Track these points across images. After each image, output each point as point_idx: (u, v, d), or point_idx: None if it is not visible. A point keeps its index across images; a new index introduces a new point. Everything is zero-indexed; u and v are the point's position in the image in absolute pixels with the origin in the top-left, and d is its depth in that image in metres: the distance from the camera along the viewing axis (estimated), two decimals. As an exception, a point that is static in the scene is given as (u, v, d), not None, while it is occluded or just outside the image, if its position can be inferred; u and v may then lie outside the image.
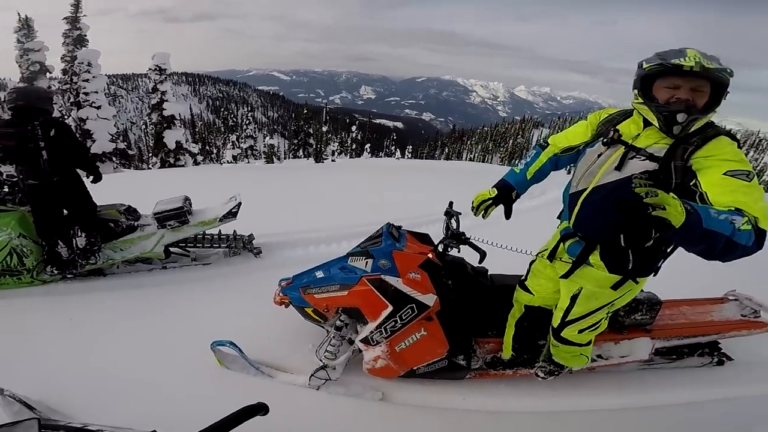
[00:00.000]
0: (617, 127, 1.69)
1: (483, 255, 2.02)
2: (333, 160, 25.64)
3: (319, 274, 2.18)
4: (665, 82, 1.52)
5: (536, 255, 2.13)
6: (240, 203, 3.45)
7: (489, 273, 2.40)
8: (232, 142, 26.90)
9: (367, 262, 2.06)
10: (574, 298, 1.89)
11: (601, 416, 2.25)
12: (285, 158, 30.94)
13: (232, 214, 3.39)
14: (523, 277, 2.20)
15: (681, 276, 2.53)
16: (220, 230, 3.62)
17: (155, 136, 15.57)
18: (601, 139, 1.71)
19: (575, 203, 1.78)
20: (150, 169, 15.72)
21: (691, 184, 1.46)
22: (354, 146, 35.25)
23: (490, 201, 1.97)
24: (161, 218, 3.21)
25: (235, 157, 24.89)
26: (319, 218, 4.74)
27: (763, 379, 2.56)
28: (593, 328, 1.96)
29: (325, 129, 32.22)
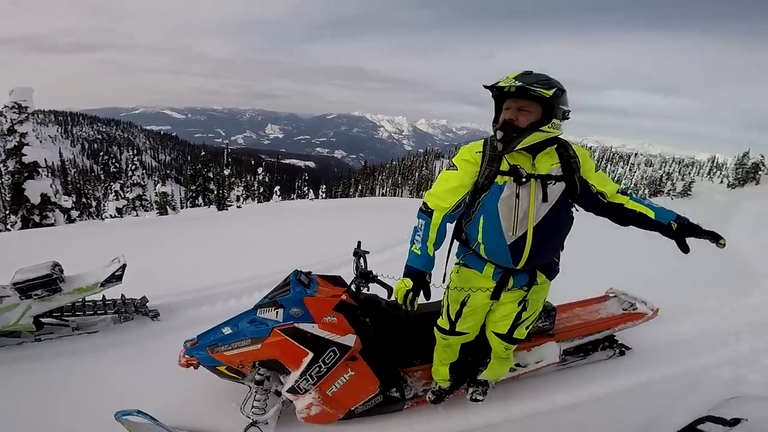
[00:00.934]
0: (518, 164, 1.77)
1: (390, 290, 2.04)
2: (238, 206, 24.37)
3: (227, 331, 2.09)
4: (505, 105, 1.76)
5: (456, 299, 2.09)
6: (125, 265, 3.22)
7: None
8: (116, 191, 23.94)
9: (277, 312, 2.04)
10: (523, 309, 2.05)
11: (533, 420, 2.43)
12: (182, 207, 28.47)
13: (116, 278, 3.16)
14: (447, 327, 2.15)
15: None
16: (104, 296, 3.32)
17: (13, 188, 12.97)
18: (512, 180, 1.76)
19: (522, 248, 1.83)
20: (9, 230, 13.04)
21: (594, 190, 1.86)
22: (262, 189, 33.78)
23: (411, 293, 1.85)
24: (24, 288, 2.86)
25: (120, 210, 22.20)
26: (224, 272, 4.48)
27: (660, 363, 2.93)
28: (534, 321, 2.19)
29: (227, 172, 30.41)
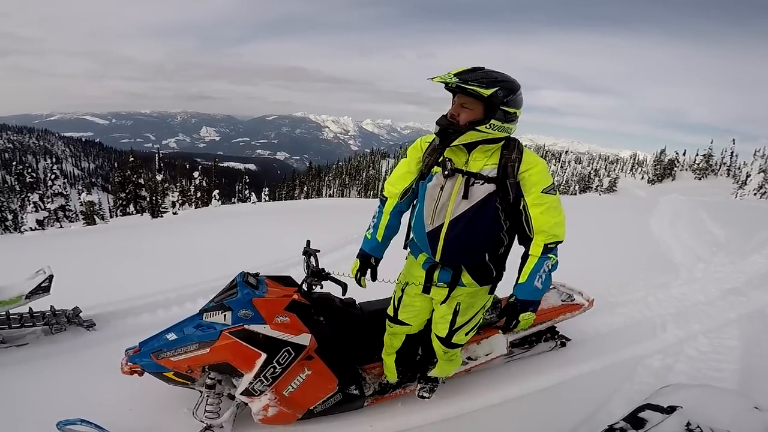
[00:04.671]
0: (449, 157, 1.78)
1: (345, 287, 2.12)
2: (175, 213, 22.94)
3: (171, 336, 2.02)
4: (453, 100, 1.75)
5: (400, 286, 2.20)
6: (51, 276, 3.07)
7: (357, 302, 2.52)
8: (35, 203, 21.59)
9: (225, 315, 1.99)
10: (456, 312, 2.05)
11: (487, 413, 2.51)
12: (111, 216, 26.25)
13: (42, 289, 3.01)
14: (392, 314, 2.25)
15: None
16: (30, 308, 3.12)
17: None
18: (441, 172, 1.78)
19: (437, 239, 1.85)
20: None
21: (520, 205, 1.75)
22: (199, 194, 31.96)
23: (358, 272, 2.12)
24: None
25: (41, 222, 20.07)
26: (164, 279, 4.31)
27: (597, 354, 3.05)
28: (475, 327, 2.18)
29: (160, 177, 28.37)
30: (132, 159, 25.53)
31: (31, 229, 18.62)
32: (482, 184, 1.74)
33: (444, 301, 2.03)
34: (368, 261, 2.12)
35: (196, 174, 32.69)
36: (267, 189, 41.30)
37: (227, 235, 7.38)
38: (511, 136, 1.79)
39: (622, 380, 2.79)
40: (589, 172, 58.83)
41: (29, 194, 22.20)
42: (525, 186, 1.74)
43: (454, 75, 1.61)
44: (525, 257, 1.84)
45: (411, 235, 2.09)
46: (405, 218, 2.17)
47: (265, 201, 33.62)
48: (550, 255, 1.77)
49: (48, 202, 21.73)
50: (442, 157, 1.81)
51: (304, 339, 2.05)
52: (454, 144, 1.72)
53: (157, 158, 29.91)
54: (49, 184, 23.26)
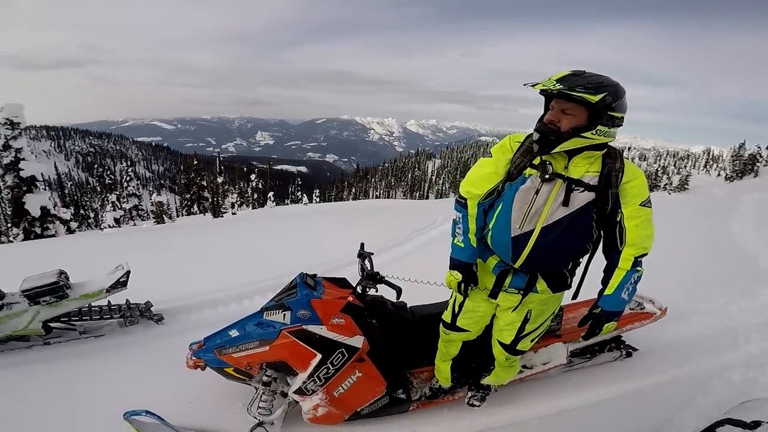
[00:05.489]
0: (548, 160, 1.69)
1: (399, 291, 2.11)
2: (234, 213, 24.31)
3: (234, 333, 2.11)
4: (550, 104, 1.66)
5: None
6: (128, 271, 3.30)
7: (408, 306, 2.50)
8: (112, 202, 23.91)
9: (284, 314, 2.05)
10: (526, 320, 1.98)
11: (541, 423, 2.40)
12: (178, 216, 28.37)
13: (120, 284, 3.24)
14: (449, 320, 2.16)
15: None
16: (109, 301, 3.39)
17: (13, 203, 13.11)
18: (538, 174, 1.70)
19: (523, 245, 1.77)
20: (11, 242, 13.05)
21: (617, 217, 1.70)
22: (256, 196, 33.73)
23: (462, 284, 1.97)
24: (32, 295, 2.95)
25: (117, 220, 22.14)
26: (225, 276, 4.53)
27: (668, 365, 2.86)
28: (541, 334, 2.12)
29: (220, 180, 30.32)
30: (195, 162, 27.44)
31: (110, 227, 20.59)
32: (582, 191, 1.67)
33: (515, 309, 1.97)
34: (470, 270, 1.97)
35: (252, 177, 34.49)
36: (317, 190, 42.48)
37: (282, 235, 7.63)
38: (617, 148, 1.73)
39: (695, 393, 2.59)
40: (656, 170, 54.51)
41: (108, 194, 24.57)
42: (624, 197, 1.69)
43: (557, 81, 1.54)
44: (610, 268, 1.81)
45: (486, 231, 1.98)
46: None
47: (316, 202, 34.62)
48: (638, 268, 1.75)
49: (124, 202, 23.93)
50: (538, 159, 1.72)
51: (358, 341, 2.07)
52: (555, 151, 1.64)
53: (217, 162, 31.89)
54: (124, 186, 25.60)
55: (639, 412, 2.48)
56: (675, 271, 4.73)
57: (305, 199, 34.44)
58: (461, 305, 2.10)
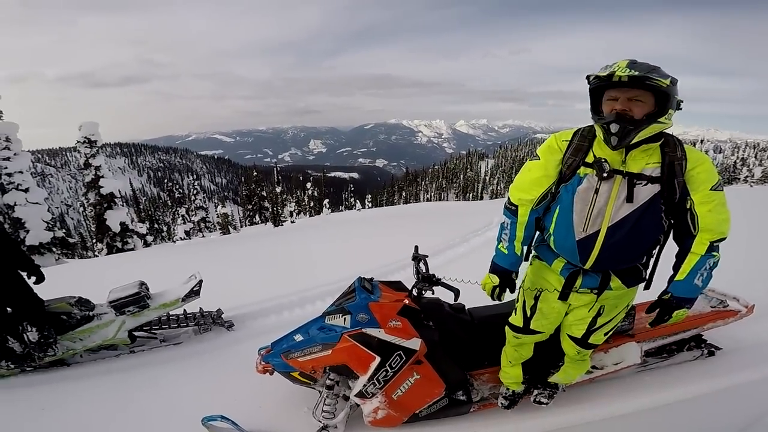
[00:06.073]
0: (604, 157, 1.64)
1: (457, 293, 2.06)
2: (292, 222, 25.31)
3: (298, 338, 2.18)
4: (607, 96, 1.59)
5: (531, 294, 2.03)
6: (201, 281, 3.49)
7: (467, 308, 2.47)
8: (182, 216, 25.91)
9: (345, 318, 2.09)
10: (598, 314, 1.93)
11: (614, 423, 2.31)
12: (241, 226, 30.07)
13: (194, 293, 3.42)
14: (521, 324, 2.09)
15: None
16: (185, 309, 3.60)
17: (96, 219, 14.23)
18: (595, 173, 1.64)
19: (591, 247, 1.72)
20: (96, 256, 14.48)
21: (687, 204, 1.62)
22: (312, 204, 34.99)
23: (498, 289, 1.96)
24: (118, 306, 3.19)
25: (188, 233, 23.89)
26: (288, 283, 4.69)
27: (756, 364, 2.68)
28: (615, 327, 2.04)
29: (279, 190, 31.80)
30: (255, 174, 28.97)
31: (181, 239, 22.26)
32: (645, 185, 1.61)
33: (590, 308, 1.92)
34: (509, 277, 1.96)
35: (308, 185, 35.78)
36: (369, 196, 43.05)
37: (339, 240, 7.78)
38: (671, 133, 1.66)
39: None
40: (735, 162, 49.54)
41: (178, 208, 26.64)
42: (692, 184, 1.61)
43: (627, 67, 1.49)
44: (682, 253, 1.72)
45: (547, 234, 1.91)
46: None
47: (369, 207, 35.05)
48: (714, 253, 1.67)
49: (192, 215, 25.79)
50: (591, 157, 1.66)
51: (415, 343, 2.07)
52: (635, 141, 1.56)
53: (275, 172, 33.47)
54: (192, 199, 27.60)
55: (723, 410, 2.36)
56: (762, 268, 4.29)
57: (358, 204, 34.99)
58: (533, 308, 2.03)
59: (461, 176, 65.04)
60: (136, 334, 3.39)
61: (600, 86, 1.58)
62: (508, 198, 1.92)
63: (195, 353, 3.30)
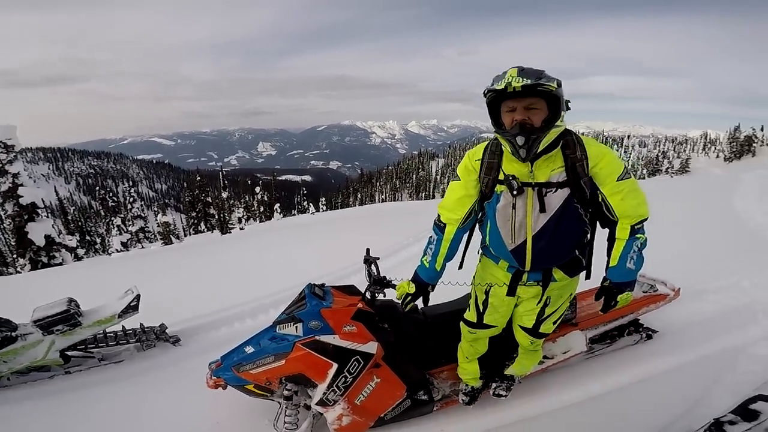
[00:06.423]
0: (512, 174, 1.70)
1: None
2: (241, 228, 24.27)
3: (249, 350, 2.10)
4: (504, 107, 1.62)
5: (481, 290, 2.09)
6: (138, 295, 3.32)
7: (419, 307, 2.47)
8: (118, 226, 23.90)
9: (296, 326, 2.05)
10: (545, 305, 2.00)
11: (569, 411, 2.39)
12: (185, 235, 28.39)
13: (132, 308, 3.26)
14: (475, 320, 2.15)
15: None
16: (123, 326, 3.39)
17: (15, 232, 12.69)
18: (508, 190, 1.71)
19: (523, 255, 1.82)
20: (19, 272, 12.98)
21: (599, 198, 1.70)
22: (262, 209, 33.68)
23: (410, 297, 2.02)
24: (45, 325, 2.97)
25: (125, 244, 22.15)
26: (238, 292, 4.52)
27: (690, 345, 2.84)
28: (562, 315, 2.13)
29: (225, 195, 30.40)
30: (199, 179, 27.38)
31: (117, 251, 20.59)
32: (555, 191, 1.68)
33: (537, 300, 1.99)
34: (425, 289, 2.04)
35: (257, 189, 34.49)
36: (323, 198, 42.47)
37: (291, 246, 7.65)
38: (569, 129, 1.71)
39: (722, 371, 2.57)
40: (657, 155, 55.42)
41: (112, 218, 24.61)
42: (599, 179, 1.68)
43: (517, 76, 1.52)
44: (612, 239, 1.79)
45: (486, 242, 2.01)
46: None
47: (323, 210, 34.59)
48: (638, 235, 1.74)
49: (129, 225, 23.95)
50: (502, 174, 1.74)
51: (371, 347, 2.07)
52: (540, 150, 1.62)
53: (221, 176, 32.03)
54: (128, 208, 25.63)
55: (667, 392, 2.46)
56: (684, 251, 4.71)
57: (312, 208, 34.40)
58: (485, 303, 2.09)
59: (414, 176, 66.29)
60: (69, 354, 3.17)
61: (496, 98, 1.62)
62: (438, 215, 1.99)
63: (138, 372, 3.12)
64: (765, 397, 1.66)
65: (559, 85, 1.55)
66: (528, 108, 1.58)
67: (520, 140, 1.57)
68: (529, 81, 1.49)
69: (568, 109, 1.64)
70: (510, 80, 1.51)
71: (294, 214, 34.46)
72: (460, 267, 2.15)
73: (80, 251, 14.89)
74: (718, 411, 1.67)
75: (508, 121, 1.62)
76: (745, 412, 1.61)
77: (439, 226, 1.99)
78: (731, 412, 1.63)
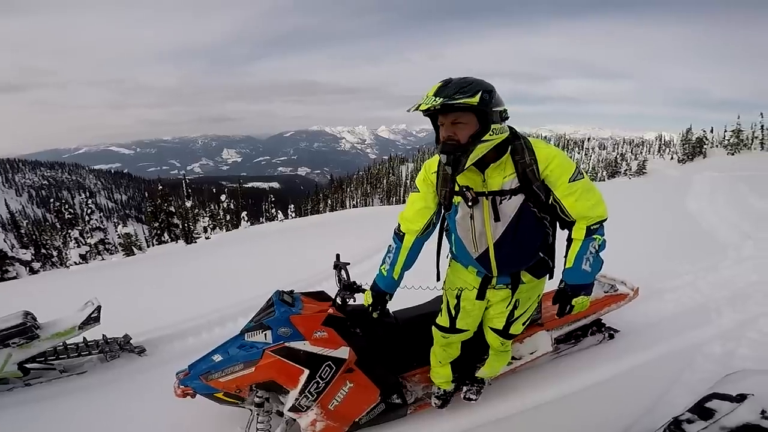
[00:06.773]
0: (466, 185, 1.71)
1: None
2: (207, 238, 23.51)
3: (218, 358, 2.07)
4: (439, 121, 1.59)
5: (453, 294, 2.09)
6: (99, 306, 3.26)
7: (391, 311, 2.49)
8: (76, 238, 22.62)
9: (265, 334, 2.03)
10: (515, 307, 2.02)
11: (538, 411, 2.44)
12: (148, 246, 27.17)
13: (93, 320, 3.21)
14: (448, 325, 2.15)
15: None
16: (84, 338, 3.31)
17: None
18: (464, 201, 1.72)
19: (488, 261, 1.83)
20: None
21: (551, 200, 1.68)
22: (228, 217, 32.72)
23: (370, 307, 2.07)
24: (0, 338, 2.89)
25: (84, 256, 21.01)
26: (205, 302, 4.44)
27: (650, 344, 2.91)
28: (531, 317, 2.16)
29: (189, 204, 29.18)
30: (160, 188, 26.32)
31: (76, 264, 19.53)
32: (509, 198, 1.68)
33: (507, 303, 2.02)
34: (383, 298, 2.07)
35: (223, 197, 33.51)
36: (292, 205, 41.71)
37: (259, 254, 7.55)
38: (518, 133, 1.70)
39: (680, 370, 2.66)
40: (616, 157, 58.01)
41: (69, 230, 23.28)
42: (550, 182, 1.66)
43: (434, 95, 1.49)
44: (570, 240, 1.77)
45: (453, 250, 2.05)
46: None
47: (292, 218, 34.07)
48: (594, 236, 1.70)
49: (88, 237, 22.71)
50: (457, 186, 1.74)
51: (343, 352, 2.07)
52: (467, 166, 1.59)
53: (184, 185, 30.92)
54: (86, 219, 24.32)
55: (631, 391, 2.52)
56: (641, 251, 4.93)
57: (280, 215, 33.73)
58: (457, 308, 2.10)
59: (384, 181, 66.58)
60: (29, 366, 3.10)
61: (433, 114, 1.59)
62: (399, 225, 2.01)
63: (102, 383, 3.05)
64: (719, 395, 1.65)
65: (485, 98, 1.49)
66: (455, 123, 1.54)
67: (443, 158, 1.58)
68: (441, 100, 1.46)
69: (505, 118, 1.62)
70: (427, 100, 1.49)
71: (262, 222, 33.79)
72: (438, 279, 2.16)
73: (36, 265, 14.15)
74: (678, 409, 1.69)
75: (442, 136, 1.60)
76: (701, 410, 1.60)
77: (399, 236, 2.00)
78: (688, 411, 1.63)
